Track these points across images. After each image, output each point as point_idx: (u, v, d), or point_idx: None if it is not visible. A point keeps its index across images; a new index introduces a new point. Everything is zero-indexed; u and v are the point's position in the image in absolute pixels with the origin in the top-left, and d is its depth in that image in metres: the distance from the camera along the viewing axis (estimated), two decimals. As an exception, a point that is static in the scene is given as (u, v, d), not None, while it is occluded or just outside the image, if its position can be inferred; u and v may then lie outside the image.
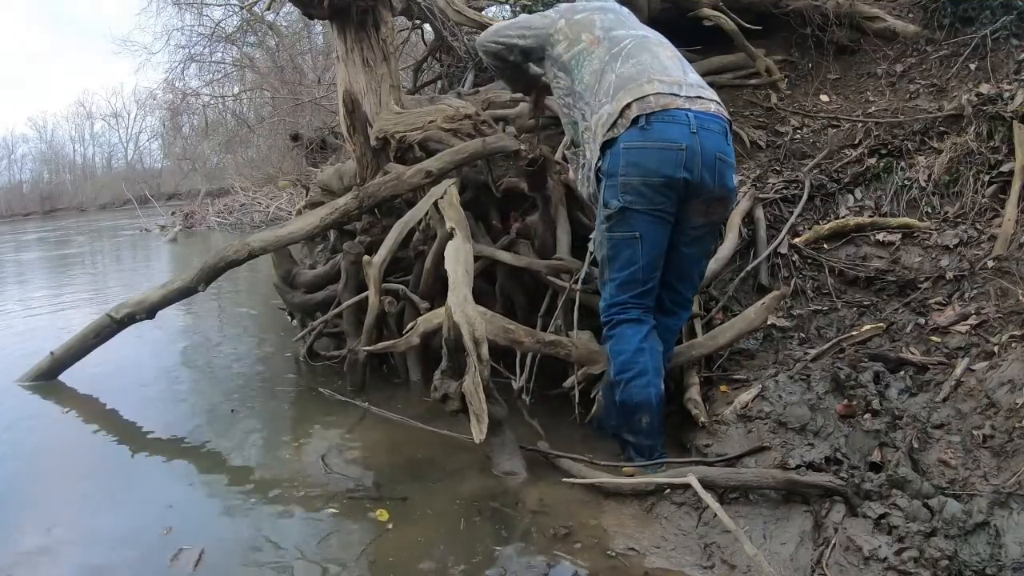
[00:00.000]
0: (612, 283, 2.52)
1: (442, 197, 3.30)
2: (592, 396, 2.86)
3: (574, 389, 2.92)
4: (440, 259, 3.10)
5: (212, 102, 15.70)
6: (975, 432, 2.09)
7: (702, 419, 2.49)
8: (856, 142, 3.85)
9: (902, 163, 3.56)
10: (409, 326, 2.85)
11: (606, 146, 2.42)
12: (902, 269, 3.10)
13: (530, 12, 4.90)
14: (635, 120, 2.34)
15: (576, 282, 2.95)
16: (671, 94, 2.37)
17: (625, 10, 2.81)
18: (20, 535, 2.30)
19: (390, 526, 2.21)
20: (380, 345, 3.03)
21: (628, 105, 2.36)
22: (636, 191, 2.37)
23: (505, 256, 3.28)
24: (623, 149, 2.36)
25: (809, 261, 3.30)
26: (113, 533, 2.28)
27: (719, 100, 2.50)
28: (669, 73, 2.44)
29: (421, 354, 3.51)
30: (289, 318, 4.53)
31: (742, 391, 2.57)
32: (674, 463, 2.30)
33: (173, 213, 17.37)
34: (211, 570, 2.03)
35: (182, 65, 14.00)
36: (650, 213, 2.39)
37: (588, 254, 2.84)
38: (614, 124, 2.38)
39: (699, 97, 2.41)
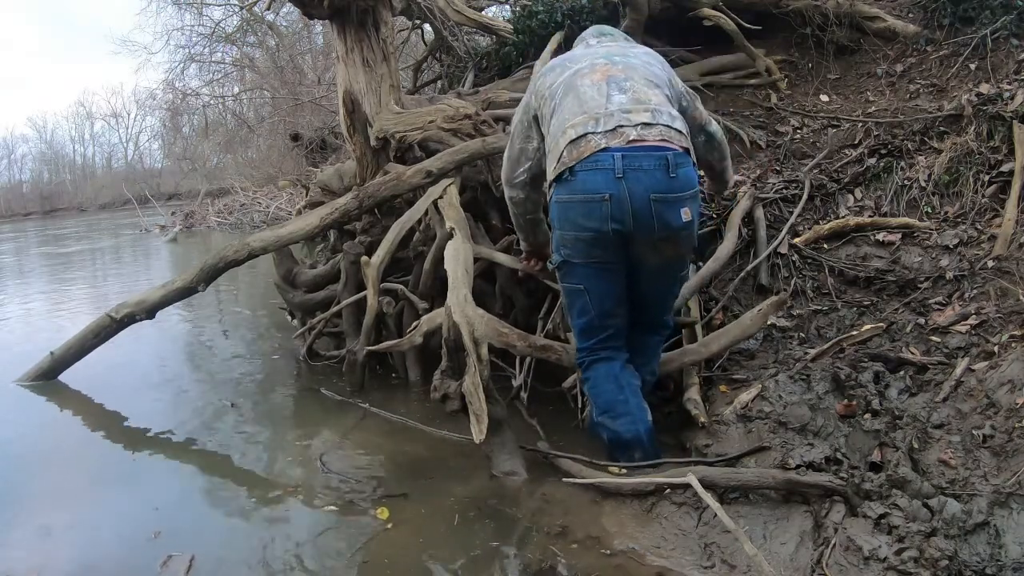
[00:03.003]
0: (575, 328, 2.53)
1: (441, 197, 3.30)
2: (587, 398, 2.86)
3: (573, 389, 2.93)
4: (439, 259, 3.10)
5: (212, 102, 15.76)
6: (975, 432, 2.09)
7: (702, 419, 2.49)
8: (856, 142, 3.85)
9: (902, 163, 3.56)
10: (413, 325, 2.85)
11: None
12: (902, 269, 3.10)
13: (531, 13, 4.92)
14: (560, 173, 2.27)
15: None
16: (584, 135, 2.23)
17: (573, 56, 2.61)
18: (13, 538, 2.29)
19: (389, 525, 2.21)
20: (384, 345, 3.03)
21: (553, 169, 2.31)
22: (571, 245, 2.34)
23: (504, 258, 3.28)
24: (554, 203, 2.33)
25: (809, 261, 3.29)
26: (107, 537, 2.27)
27: (656, 117, 2.25)
28: (585, 108, 2.29)
29: (420, 354, 3.51)
30: (289, 317, 4.53)
31: (742, 391, 2.57)
32: (674, 463, 2.30)
33: (173, 213, 17.37)
34: (203, 577, 2.01)
35: (182, 65, 14.08)
36: (590, 266, 2.35)
37: None
38: (549, 184, 2.36)
39: (620, 126, 2.21)
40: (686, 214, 2.25)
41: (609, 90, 2.32)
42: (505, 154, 2.71)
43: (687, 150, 2.29)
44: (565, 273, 2.44)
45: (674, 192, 2.21)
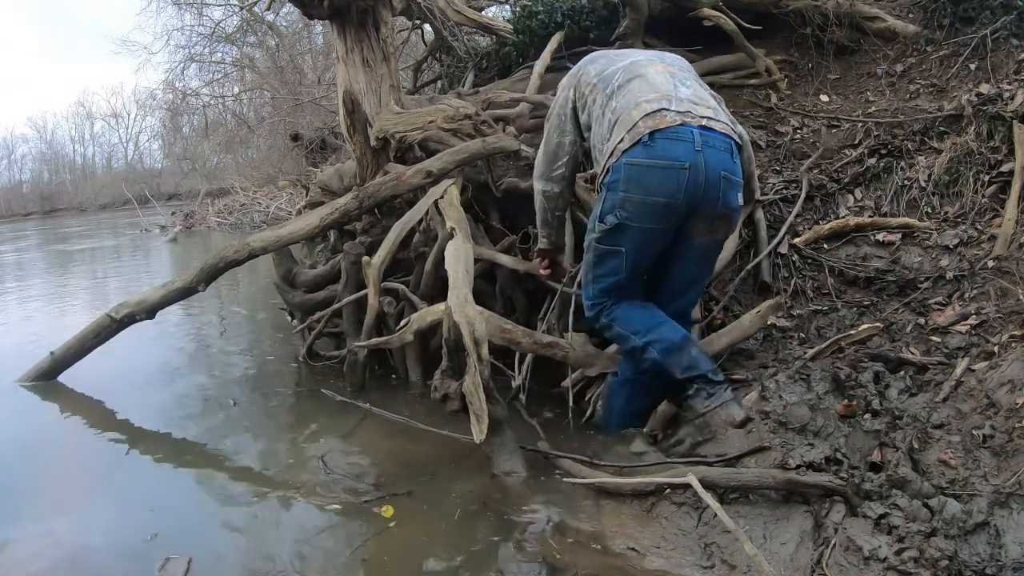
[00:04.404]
0: (595, 285, 2.58)
1: (442, 197, 3.30)
2: (588, 398, 2.86)
3: (572, 389, 2.93)
4: (440, 260, 3.10)
5: (212, 102, 15.75)
6: (975, 432, 2.09)
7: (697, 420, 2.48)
8: (856, 142, 3.84)
9: (902, 163, 3.56)
10: (403, 322, 2.85)
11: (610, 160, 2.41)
12: (902, 269, 3.10)
13: (531, 13, 4.91)
14: (639, 138, 2.31)
15: (574, 284, 2.95)
16: (660, 109, 2.34)
17: (616, 51, 2.81)
18: (13, 539, 2.28)
19: (393, 523, 2.21)
20: (374, 341, 3.02)
21: (621, 139, 2.35)
22: (633, 209, 2.36)
23: (505, 259, 3.28)
24: (625, 164, 2.34)
25: (809, 261, 3.30)
26: (105, 538, 2.27)
27: (717, 114, 2.41)
28: (657, 89, 2.42)
29: (420, 354, 3.51)
30: (289, 318, 4.53)
31: (742, 391, 2.57)
32: (674, 463, 2.30)
33: (173, 213, 17.38)
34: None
35: (182, 65, 14.07)
36: (643, 232, 2.40)
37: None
38: (613, 151, 2.38)
39: (688, 112, 2.35)
40: (739, 198, 2.43)
41: (675, 81, 2.49)
42: (540, 150, 2.80)
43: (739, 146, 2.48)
44: (611, 235, 2.44)
45: (735, 175, 2.39)
